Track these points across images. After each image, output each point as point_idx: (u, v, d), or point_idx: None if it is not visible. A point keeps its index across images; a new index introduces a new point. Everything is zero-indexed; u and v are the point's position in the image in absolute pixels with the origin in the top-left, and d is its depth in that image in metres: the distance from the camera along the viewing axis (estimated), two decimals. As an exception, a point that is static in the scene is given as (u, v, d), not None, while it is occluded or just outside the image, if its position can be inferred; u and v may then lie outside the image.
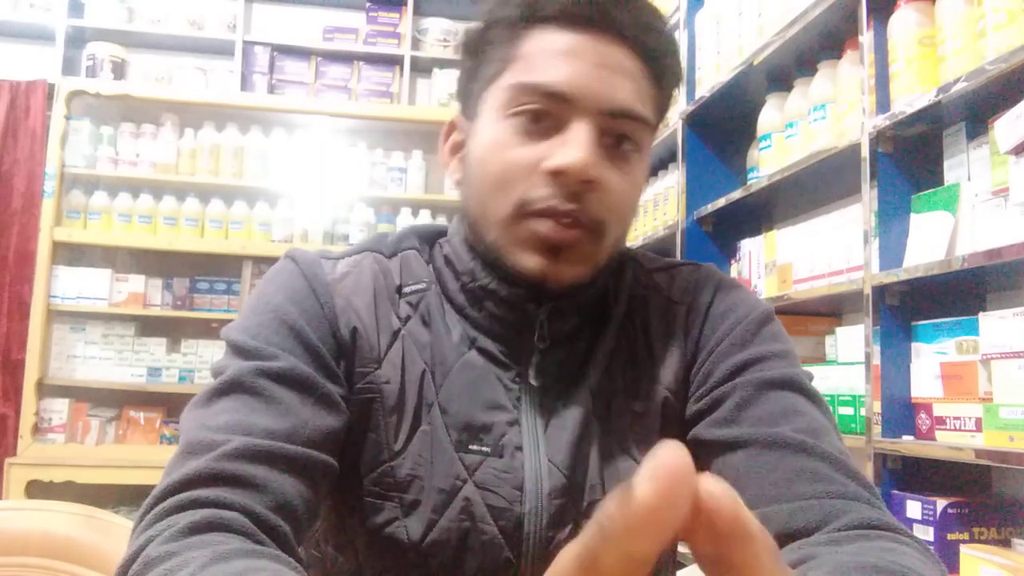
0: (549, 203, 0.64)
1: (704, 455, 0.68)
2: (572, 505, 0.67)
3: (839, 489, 0.59)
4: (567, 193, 0.64)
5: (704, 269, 0.77)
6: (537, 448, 0.68)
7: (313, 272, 0.70)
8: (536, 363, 0.70)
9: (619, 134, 0.67)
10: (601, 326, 0.73)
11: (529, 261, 0.66)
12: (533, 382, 0.70)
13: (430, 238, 0.77)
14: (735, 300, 0.74)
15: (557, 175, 0.64)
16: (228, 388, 0.62)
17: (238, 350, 0.65)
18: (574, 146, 0.64)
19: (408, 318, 0.71)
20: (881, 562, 0.49)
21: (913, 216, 1.51)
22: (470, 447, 0.67)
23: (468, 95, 0.73)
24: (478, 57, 0.71)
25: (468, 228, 0.72)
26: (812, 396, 0.68)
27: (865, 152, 1.54)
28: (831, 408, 0.70)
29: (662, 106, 0.71)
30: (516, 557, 0.66)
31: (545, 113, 0.65)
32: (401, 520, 0.66)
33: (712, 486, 0.24)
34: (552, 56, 0.65)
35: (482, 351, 0.70)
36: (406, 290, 0.72)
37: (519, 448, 0.67)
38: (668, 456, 0.25)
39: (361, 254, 0.74)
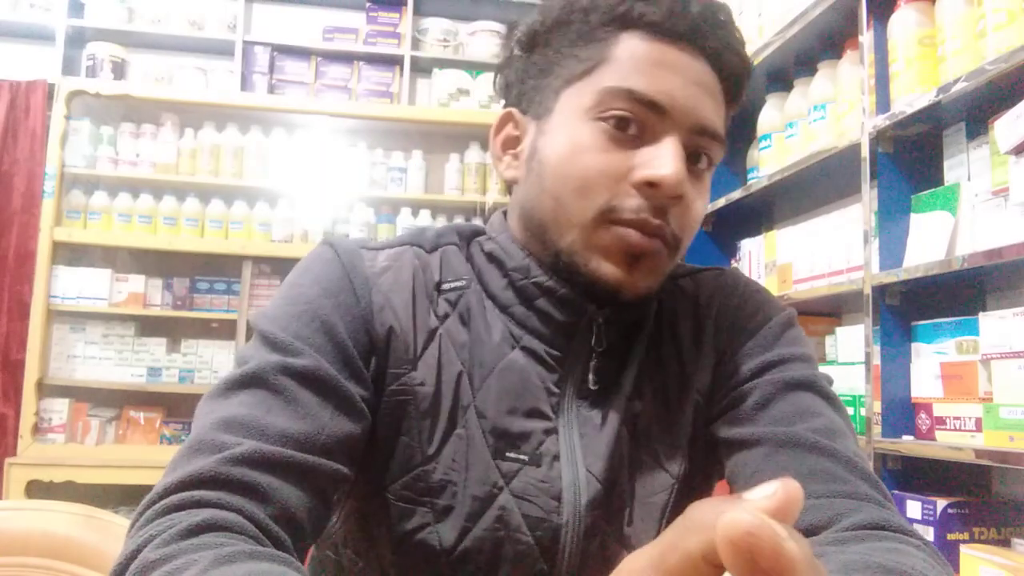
0: (639, 215, 0.63)
1: (721, 452, 0.68)
2: (607, 515, 0.67)
3: (850, 489, 0.59)
4: (655, 206, 0.64)
5: (728, 274, 0.78)
6: (574, 458, 0.67)
7: (352, 263, 0.68)
8: (593, 367, 0.69)
9: (699, 151, 0.67)
10: (634, 333, 0.73)
11: (607, 268, 0.65)
12: (592, 387, 0.69)
13: (468, 236, 0.75)
14: (759, 304, 0.74)
15: (650, 187, 0.63)
16: (248, 381, 0.61)
17: (266, 341, 0.63)
18: (669, 160, 0.63)
19: (446, 316, 0.69)
20: (887, 562, 0.49)
21: (913, 216, 1.51)
22: (507, 454, 0.66)
23: (535, 91, 0.70)
24: (550, 52, 0.69)
25: (529, 229, 0.70)
26: (830, 398, 0.68)
27: (865, 152, 1.54)
28: (848, 411, 0.70)
29: (727, 126, 0.71)
30: (550, 567, 0.65)
31: (635, 121, 0.64)
32: (433, 526, 0.65)
33: (750, 519, 0.23)
34: (649, 65, 0.64)
35: (527, 351, 0.68)
36: (445, 287, 0.70)
37: (556, 458, 0.66)
38: (785, 485, 0.25)
39: (402, 247, 0.72)
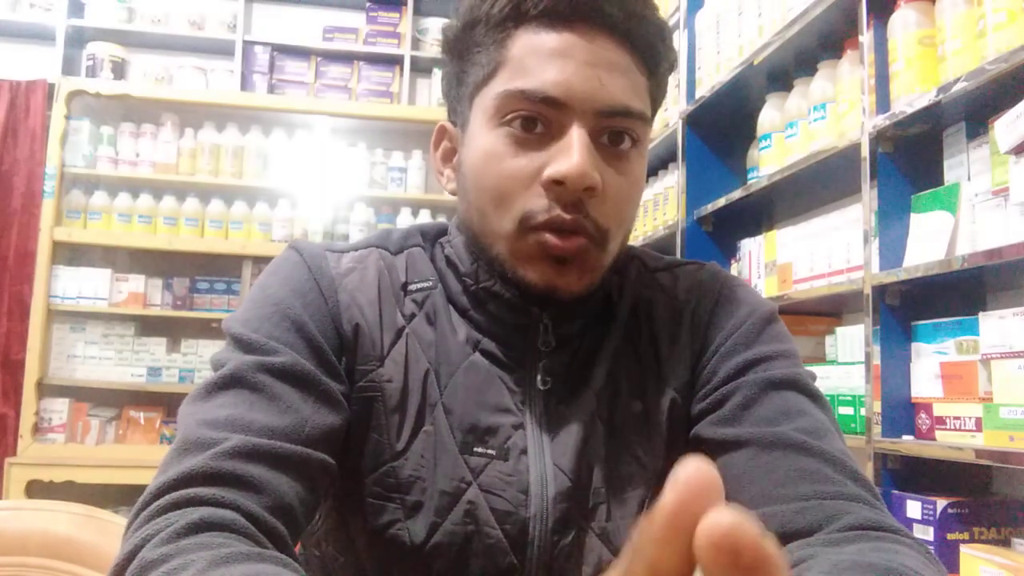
0: (551, 214, 0.63)
1: (707, 453, 0.67)
2: (576, 509, 0.67)
3: (839, 490, 0.59)
4: (568, 203, 0.63)
5: (708, 268, 0.77)
6: (542, 452, 0.67)
7: (318, 265, 0.69)
8: (543, 367, 0.69)
9: (616, 132, 0.65)
10: (605, 326, 0.73)
11: (534, 275, 0.65)
12: (540, 387, 0.69)
13: (433, 237, 0.76)
14: (740, 299, 0.73)
15: (557, 185, 0.62)
16: (228, 382, 0.61)
17: (239, 343, 0.64)
18: (571, 153, 0.62)
19: (413, 316, 0.70)
20: (879, 562, 0.49)
21: (913, 216, 1.51)
22: (475, 449, 0.66)
23: (456, 101, 0.71)
24: (462, 60, 0.68)
25: (469, 238, 0.71)
26: (815, 396, 0.67)
27: (865, 152, 1.54)
28: (833, 408, 0.69)
29: (657, 96, 0.70)
30: (520, 561, 0.65)
31: (538, 119, 0.63)
32: (403, 522, 0.65)
33: (731, 517, 0.24)
34: (541, 58, 0.63)
35: (486, 353, 0.69)
36: (412, 288, 0.71)
37: (524, 452, 0.66)
38: (690, 467, 0.25)
39: (367, 249, 0.72)
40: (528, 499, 0.65)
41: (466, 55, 0.68)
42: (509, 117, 0.64)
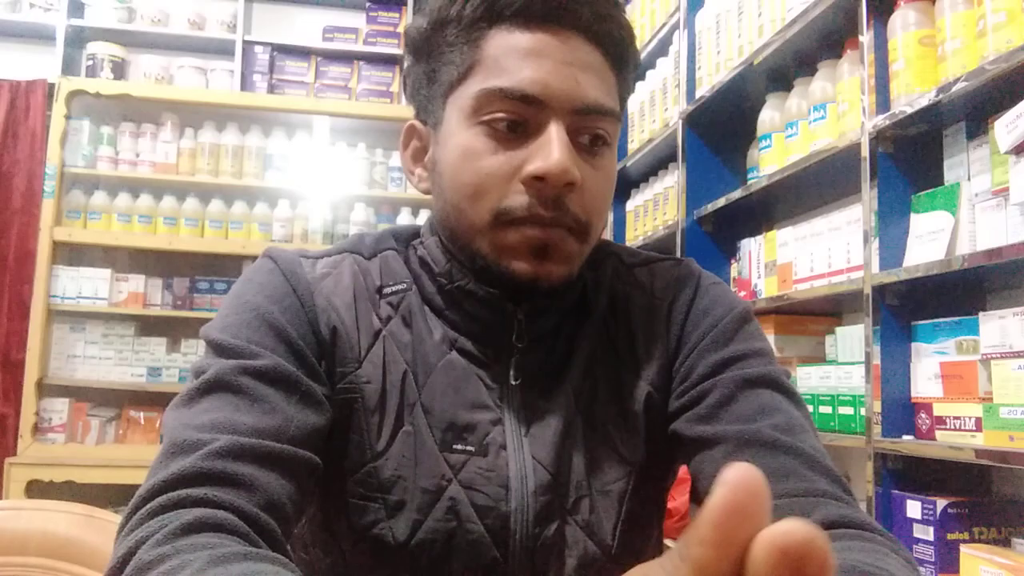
0: (531, 211, 0.64)
1: (685, 450, 0.69)
2: (558, 502, 0.67)
3: (811, 487, 0.60)
4: (547, 198, 0.64)
5: (685, 265, 0.78)
6: (521, 446, 0.68)
7: (292, 271, 0.70)
8: (515, 362, 0.70)
9: (590, 130, 0.66)
10: (581, 322, 0.73)
11: (518, 266, 0.66)
12: (513, 381, 0.69)
13: (406, 239, 0.76)
14: (716, 298, 0.74)
15: (538, 181, 0.63)
16: (211, 387, 0.62)
17: (219, 349, 0.64)
18: (552, 150, 0.63)
19: (389, 318, 0.71)
20: (839, 562, 0.49)
21: (913, 216, 1.51)
22: (454, 447, 0.67)
23: (427, 100, 0.71)
24: (432, 60, 0.69)
25: (446, 235, 0.71)
26: (790, 394, 0.68)
27: (865, 152, 1.54)
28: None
29: (624, 95, 0.71)
30: (503, 555, 0.66)
31: (516, 117, 0.64)
32: (386, 521, 0.66)
33: (806, 529, 0.24)
34: (517, 58, 0.64)
35: (462, 351, 0.70)
36: (386, 291, 0.72)
37: (503, 447, 0.67)
38: (738, 470, 0.25)
39: (340, 255, 0.73)
40: (508, 493, 0.66)
41: (436, 54, 0.69)
42: (486, 116, 0.65)
